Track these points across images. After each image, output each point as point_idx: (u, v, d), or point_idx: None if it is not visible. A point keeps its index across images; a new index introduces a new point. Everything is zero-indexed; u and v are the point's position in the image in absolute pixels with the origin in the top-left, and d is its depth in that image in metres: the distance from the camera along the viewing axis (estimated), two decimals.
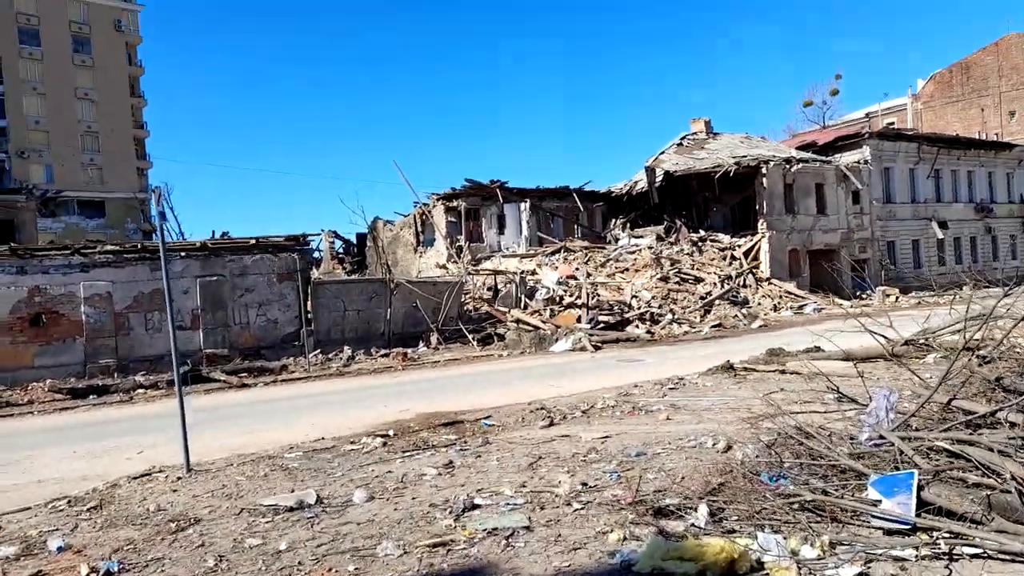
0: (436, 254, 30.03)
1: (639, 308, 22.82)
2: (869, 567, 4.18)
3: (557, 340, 19.20)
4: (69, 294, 16.03)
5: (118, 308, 16.47)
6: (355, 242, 36.34)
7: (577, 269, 26.01)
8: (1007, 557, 4.15)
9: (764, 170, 30.25)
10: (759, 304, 26.16)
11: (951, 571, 4.10)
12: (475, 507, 5.65)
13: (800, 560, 4.26)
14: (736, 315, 23.67)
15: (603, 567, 4.41)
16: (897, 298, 29.86)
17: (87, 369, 15.90)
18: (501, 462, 7.13)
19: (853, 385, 8.19)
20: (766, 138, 39.75)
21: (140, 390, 14.68)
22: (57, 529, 5.85)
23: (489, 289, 24.03)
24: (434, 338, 19.87)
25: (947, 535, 4.37)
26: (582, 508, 5.48)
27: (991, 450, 4.96)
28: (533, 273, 25.68)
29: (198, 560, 4.92)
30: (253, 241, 18.57)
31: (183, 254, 17.56)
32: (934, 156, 37.44)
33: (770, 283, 28.64)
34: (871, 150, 34.60)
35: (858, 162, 34.14)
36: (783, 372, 11.69)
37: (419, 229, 31.52)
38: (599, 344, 18.87)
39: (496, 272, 25.60)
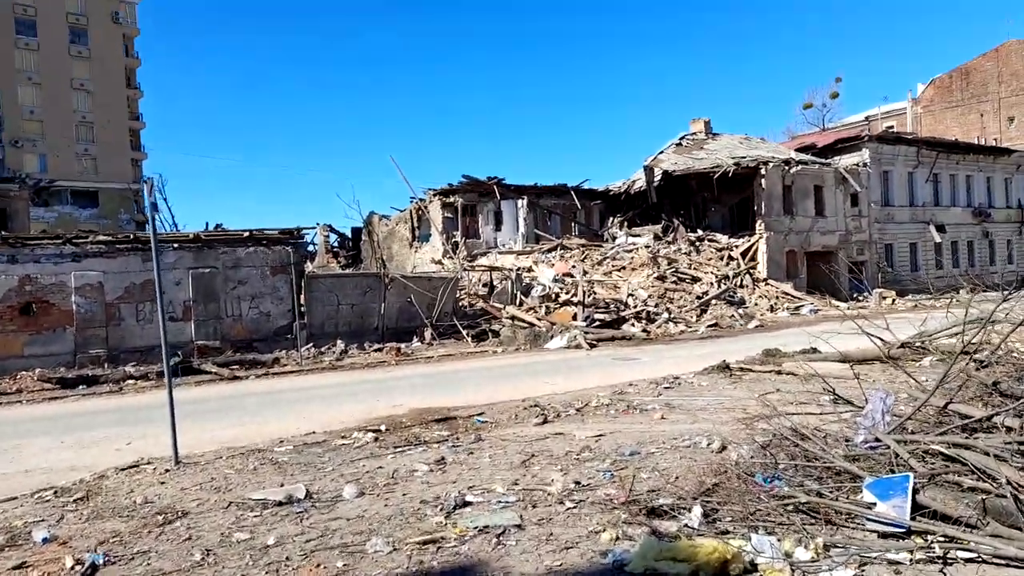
0: (432, 250, 29.93)
1: (635, 307, 22.78)
2: (863, 570, 4.14)
3: (552, 337, 19.14)
4: (60, 284, 15.90)
5: (109, 298, 16.35)
6: (350, 236, 36.24)
7: (574, 267, 25.95)
8: (1002, 562, 4.11)
9: (763, 171, 30.23)
10: (756, 304, 26.14)
11: (946, 575, 4.06)
12: (466, 504, 5.59)
13: (794, 562, 4.22)
14: (732, 315, 23.65)
15: (595, 567, 4.35)
16: (894, 301, 29.89)
17: (77, 359, 15.78)
18: (493, 459, 7.07)
19: (849, 387, 8.16)
20: (765, 139, 39.76)
21: (130, 381, 14.58)
22: (43, 520, 5.78)
23: (485, 285, 23.95)
24: (428, 333, 19.79)
25: (942, 539, 4.33)
26: (575, 507, 5.42)
27: (987, 454, 4.92)
28: (529, 270, 25.62)
29: (184, 554, 4.85)
30: (247, 233, 18.44)
31: (176, 245, 17.43)
32: (933, 160, 37.49)
33: (767, 284, 28.63)
34: (870, 153, 34.61)
35: (857, 165, 34.15)
36: (779, 373, 11.66)
37: (415, 224, 31.42)
38: (595, 342, 18.82)
39: (492, 268, 25.53)
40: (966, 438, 5.40)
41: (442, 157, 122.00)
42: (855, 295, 30.25)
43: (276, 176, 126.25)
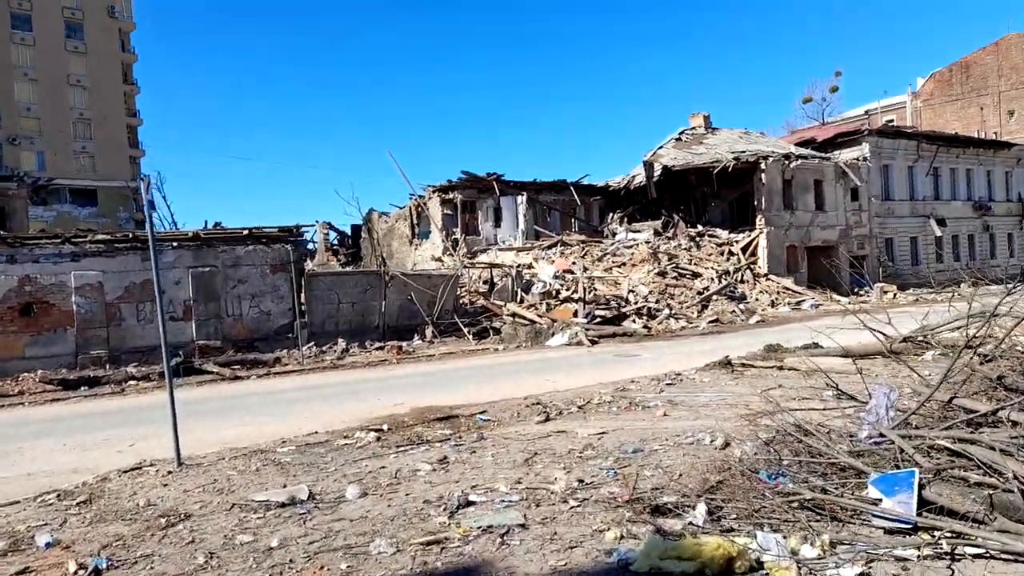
0: (432, 247, 29.88)
1: (636, 303, 22.75)
2: (870, 567, 4.11)
3: (553, 334, 19.12)
4: (60, 284, 15.88)
5: (109, 298, 16.32)
6: (350, 234, 36.20)
7: (574, 263, 25.91)
8: (1010, 557, 4.09)
9: (763, 166, 30.17)
10: (756, 300, 26.12)
11: (953, 571, 4.04)
12: (470, 504, 5.57)
13: (800, 560, 4.19)
14: (733, 310, 23.62)
15: (600, 566, 4.33)
16: (895, 295, 29.86)
17: (78, 360, 15.77)
18: (496, 458, 7.04)
19: (852, 382, 8.13)
20: (765, 134, 39.67)
21: (132, 382, 14.56)
22: (46, 524, 5.76)
23: (485, 282, 23.92)
24: (429, 331, 19.76)
25: (949, 535, 4.30)
26: (578, 505, 5.40)
27: (993, 449, 4.90)
28: (529, 267, 25.58)
29: (188, 557, 4.83)
30: (246, 232, 18.41)
31: (175, 244, 17.40)
32: (933, 154, 37.42)
33: (768, 279, 28.60)
34: (870, 147, 34.56)
35: (857, 159, 34.09)
36: (781, 368, 11.64)
37: (415, 221, 31.37)
38: (596, 339, 18.80)
39: (492, 265, 25.49)
40: (971, 433, 5.37)
41: (441, 154, 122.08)
42: (856, 289, 30.21)
43: (275, 174, 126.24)
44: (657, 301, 23.25)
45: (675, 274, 25.99)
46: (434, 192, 30.14)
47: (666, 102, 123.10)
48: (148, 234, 8.16)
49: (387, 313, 19.89)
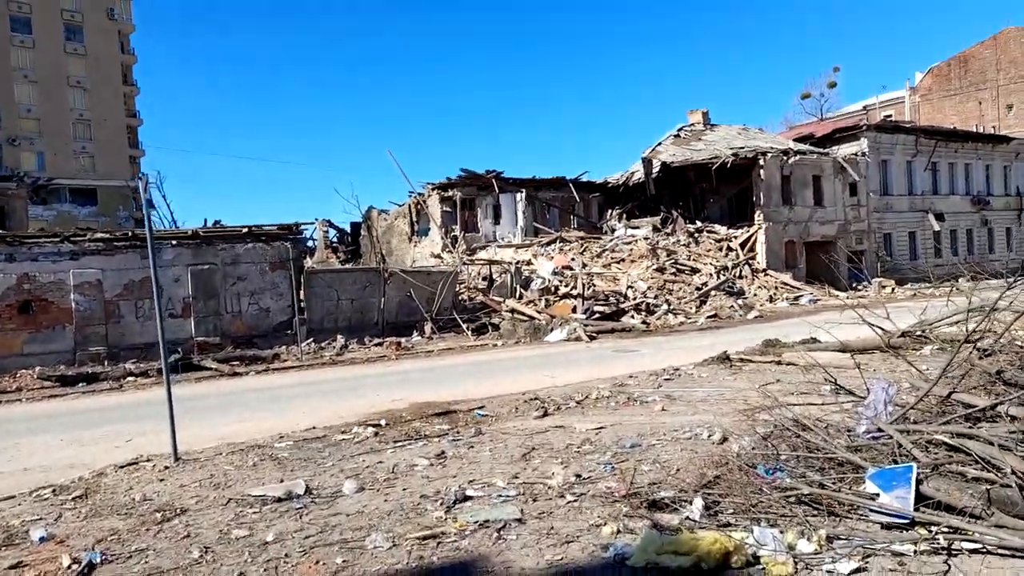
0: (431, 244, 29.86)
1: (635, 298, 22.74)
2: (867, 562, 4.09)
3: (552, 330, 19.11)
4: (59, 281, 15.86)
5: (108, 296, 16.31)
6: (349, 231, 36.13)
7: (573, 259, 25.89)
8: (1007, 552, 4.07)
9: (761, 161, 30.14)
10: (755, 295, 26.11)
11: (950, 566, 4.02)
12: (467, 499, 5.56)
13: (797, 555, 4.18)
14: (732, 306, 23.61)
15: (596, 561, 4.32)
16: (893, 290, 29.86)
17: (77, 357, 15.75)
18: (494, 453, 7.03)
19: (850, 376, 8.11)
20: (763, 130, 39.63)
21: (130, 378, 14.55)
22: (41, 518, 5.74)
23: (484, 279, 23.91)
24: (428, 328, 19.76)
25: (946, 530, 4.28)
26: (575, 500, 5.39)
27: (991, 444, 4.88)
28: (529, 263, 25.56)
29: (183, 551, 4.82)
30: (245, 230, 18.39)
31: (174, 242, 17.38)
32: (931, 149, 37.38)
33: (766, 274, 28.59)
34: (869, 142, 34.51)
35: (855, 154, 34.05)
36: (779, 363, 11.63)
37: (414, 219, 31.33)
38: (594, 334, 18.79)
39: (491, 262, 25.47)
40: (969, 428, 5.35)
41: (440, 152, 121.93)
42: (854, 284, 30.22)
43: (275, 173, 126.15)
44: (656, 297, 23.24)
45: (673, 270, 25.98)
46: (433, 190, 30.10)
47: (665, 99, 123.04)
48: (146, 232, 8.14)
49: (386, 310, 19.87)
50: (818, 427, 5.96)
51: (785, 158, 31.08)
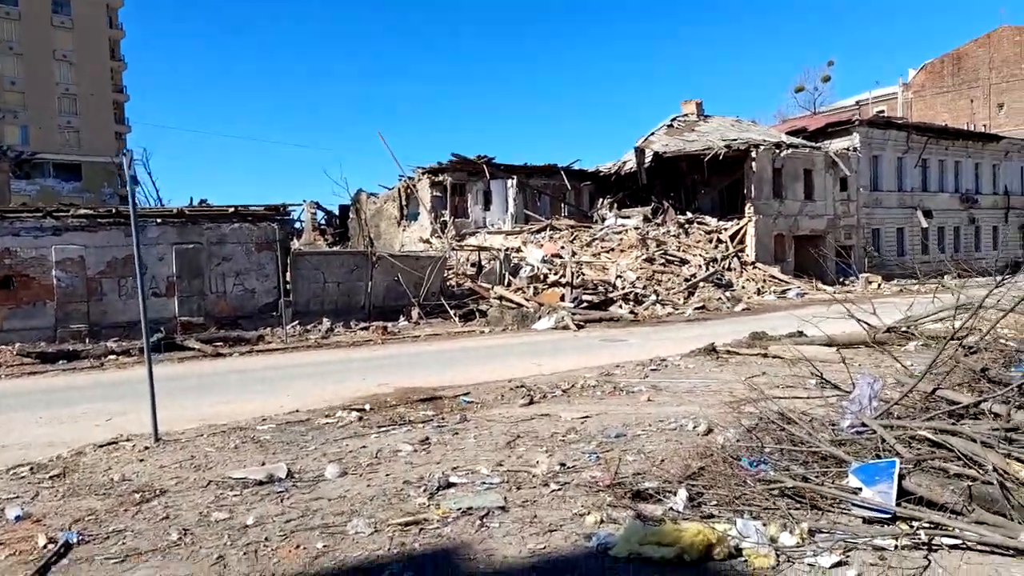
0: (420, 228, 29.70)
1: (623, 288, 22.75)
2: (848, 556, 4.10)
3: (540, 318, 19.08)
4: (40, 257, 15.63)
5: (91, 273, 16.09)
6: (337, 214, 35.89)
7: (562, 248, 25.85)
8: (987, 549, 4.09)
9: (754, 154, 30.14)
10: (743, 287, 26.20)
11: (930, 562, 4.03)
12: (450, 485, 5.52)
13: (779, 547, 4.18)
14: (720, 298, 23.68)
15: (579, 550, 4.30)
16: (879, 285, 30.07)
17: (58, 334, 15.57)
18: (478, 440, 7.00)
19: (835, 371, 8.14)
20: (757, 122, 39.64)
21: (112, 356, 14.38)
22: (17, 497, 5.66)
23: (473, 265, 23.82)
24: (415, 313, 19.67)
25: (927, 525, 4.30)
26: (559, 489, 5.37)
27: (974, 441, 4.90)
28: (518, 250, 25.49)
29: (161, 533, 4.76)
30: (232, 209, 18.18)
31: (159, 220, 17.17)
32: (922, 146, 37.54)
33: (755, 267, 28.68)
34: (860, 137, 34.59)
35: (847, 149, 34.14)
36: (765, 356, 11.66)
37: (403, 203, 31.13)
38: (582, 323, 18.78)
39: (480, 248, 25.37)
40: (953, 424, 5.38)
41: (432, 136, 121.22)
42: (841, 279, 30.40)
43: (263, 153, 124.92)
44: (644, 287, 23.26)
45: (663, 260, 26.00)
46: (424, 174, 29.89)
47: (659, 89, 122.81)
48: (130, 209, 8.00)
49: (373, 294, 19.76)
50: (803, 421, 5.97)
51: (777, 151, 31.11)
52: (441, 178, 29.64)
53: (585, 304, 20.78)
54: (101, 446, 7.09)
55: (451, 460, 6.28)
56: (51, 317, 15.69)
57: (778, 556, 4.08)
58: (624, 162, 33.59)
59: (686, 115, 36.08)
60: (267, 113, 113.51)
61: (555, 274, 22.87)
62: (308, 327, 17.85)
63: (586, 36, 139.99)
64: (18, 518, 5.13)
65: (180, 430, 7.66)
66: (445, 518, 4.84)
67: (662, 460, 5.99)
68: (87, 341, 15.37)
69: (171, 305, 16.88)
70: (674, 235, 28.64)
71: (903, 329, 11.71)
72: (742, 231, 29.76)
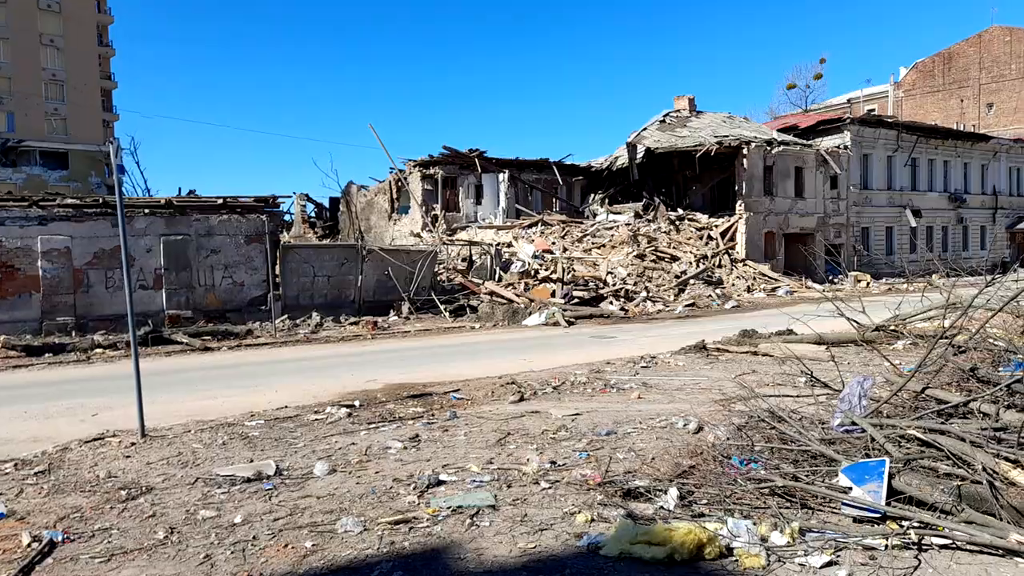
0: (411, 222, 29.57)
1: (614, 285, 22.75)
2: (839, 555, 4.11)
3: (531, 314, 19.06)
4: (26, 247, 15.43)
5: (77, 264, 15.91)
6: (327, 206, 35.68)
7: (554, 243, 25.82)
8: (976, 548, 4.11)
9: (745, 151, 30.21)
10: (733, 285, 26.27)
11: (920, 561, 4.05)
12: (440, 483, 5.49)
13: (769, 546, 4.18)
14: (710, 295, 23.74)
15: (569, 550, 4.28)
16: (868, 284, 30.24)
17: (44, 326, 15.38)
18: (469, 437, 6.97)
19: (825, 369, 8.17)
20: (748, 119, 39.68)
21: (99, 350, 14.24)
22: (1, 494, 5.58)
23: (464, 260, 23.76)
24: (405, 308, 19.60)
25: (917, 525, 4.31)
26: (550, 487, 5.35)
27: (963, 440, 4.92)
28: (509, 245, 25.44)
29: (147, 531, 4.70)
30: (220, 201, 18.02)
31: (147, 211, 16.98)
32: (912, 145, 37.74)
33: (745, 264, 28.76)
34: (851, 136, 34.74)
35: (838, 147, 34.28)
36: (755, 354, 11.69)
37: (394, 196, 30.98)
38: (573, 319, 18.78)
39: (471, 243, 25.30)
40: (942, 423, 5.40)
41: (423, 129, 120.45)
42: (831, 277, 30.55)
43: (252, 142, 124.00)
44: (635, 284, 23.28)
45: (654, 257, 26.02)
46: (415, 167, 29.75)
47: (652, 84, 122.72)
48: (117, 199, 7.89)
49: (363, 288, 19.67)
50: (793, 419, 5.99)
51: (768, 148, 31.18)
52: (432, 171, 29.52)
53: (576, 300, 20.77)
54: (87, 442, 7.01)
55: (441, 458, 6.25)
56: (37, 309, 15.50)
57: (769, 556, 4.08)
58: (616, 157, 33.58)
59: (678, 111, 36.11)
60: (257, 103, 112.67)
61: (546, 270, 22.85)
62: (297, 321, 17.75)
63: (579, 30, 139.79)
64: (2, 516, 5.05)
65: (167, 425, 7.59)
66: (435, 517, 4.81)
67: (652, 458, 5.98)
68: (73, 334, 15.21)
69: (159, 298, 16.72)
70: (665, 232, 28.67)
71: (892, 328, 11.77)
72: (733, 228, 29.83)
